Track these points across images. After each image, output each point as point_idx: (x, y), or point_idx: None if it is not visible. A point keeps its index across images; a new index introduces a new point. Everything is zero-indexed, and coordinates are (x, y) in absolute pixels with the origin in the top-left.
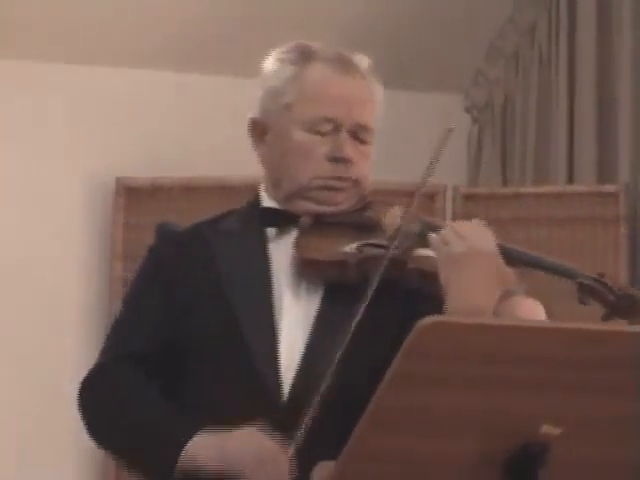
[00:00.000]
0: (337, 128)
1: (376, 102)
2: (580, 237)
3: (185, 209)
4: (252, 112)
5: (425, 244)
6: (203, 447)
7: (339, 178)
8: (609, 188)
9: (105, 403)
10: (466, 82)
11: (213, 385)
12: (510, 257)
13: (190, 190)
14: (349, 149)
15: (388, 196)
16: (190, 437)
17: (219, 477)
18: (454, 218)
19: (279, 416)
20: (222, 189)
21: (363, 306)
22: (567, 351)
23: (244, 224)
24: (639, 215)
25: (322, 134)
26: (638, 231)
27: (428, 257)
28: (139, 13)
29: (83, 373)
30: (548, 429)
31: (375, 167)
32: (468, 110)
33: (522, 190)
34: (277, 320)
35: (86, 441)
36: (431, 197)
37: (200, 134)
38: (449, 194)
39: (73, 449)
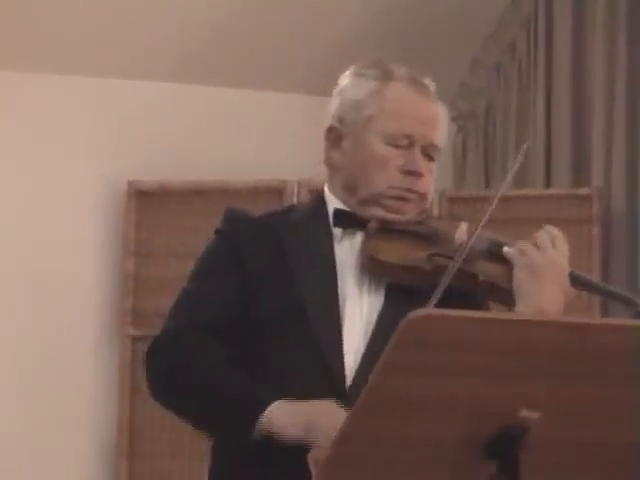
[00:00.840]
0: (412, 144)
1: (444, 123)
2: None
3: (191, 210)
4: (328, 120)
5: (493, 259)
6: (282, 414)
7: (409, 190)
8: (583, 191)
9: (180, 366)
10: (451, 93)
11: (279, 367)
12: (577, 280)
13: (195, 192)
14: (421, 164)
15: None
16: (269, 403)
17: (295, 442)
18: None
19: (342, 400)
20: (224, 191)
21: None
22: (546, 342)
23: (313, 221)
24: (611, 216)
25: (398, 147)
26: (610, 231)
27: (497, 270)
28: (149, 33)
29: (97, 363)
30: (527, 413)
31: None
32: (454, 119)
33: (506, 194)
34: (342, 311)
35: (100, 432)
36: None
37: (204, 141)
38: (435, 197)
39: (88, 440)
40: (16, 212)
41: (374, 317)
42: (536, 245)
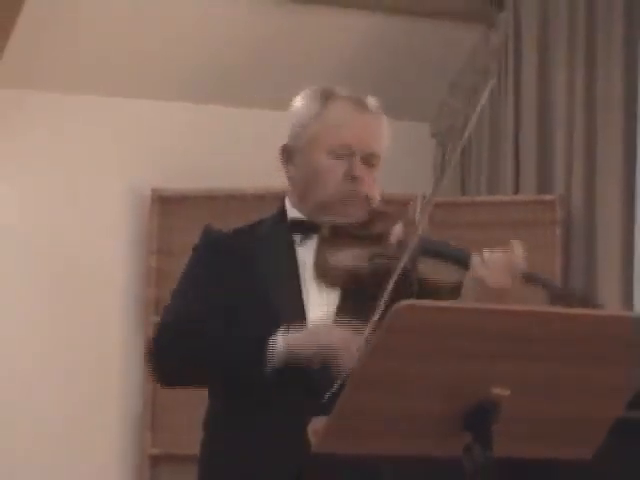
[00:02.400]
0: (352, 154)
1: (385, 135)
2: (524, 238)
3: (207, 214)
4: (283, 140)
5: (430, 257)
6: (290, 337)
7: (352, 193)
8: (547, 197)
9: (188, 336)
10: (432, 113)
11: None
12: (529, 279)
13: (211, 198)
14: (361, 170)
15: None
16: (274, 333)
17: (310, 355)
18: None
19: (310, 386)
20: (237, 198)
21: (381, 305)
22: (514, 328)
23: (275, 231)
24: (572, 219)
25: (340, 158)
26: (570, 232)
27: (433, 269)
28: (170, 60)
29: (125, 346)
30: (498, 390)
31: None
32: (434, 135)
33: (477, 199)
34: (305, 308)
35: (128, 406)
36: (405, 204)
37: (218, 154)
38: (419, 201)
39: (117, 413)
40: (57, 216)
41: (333, 311)
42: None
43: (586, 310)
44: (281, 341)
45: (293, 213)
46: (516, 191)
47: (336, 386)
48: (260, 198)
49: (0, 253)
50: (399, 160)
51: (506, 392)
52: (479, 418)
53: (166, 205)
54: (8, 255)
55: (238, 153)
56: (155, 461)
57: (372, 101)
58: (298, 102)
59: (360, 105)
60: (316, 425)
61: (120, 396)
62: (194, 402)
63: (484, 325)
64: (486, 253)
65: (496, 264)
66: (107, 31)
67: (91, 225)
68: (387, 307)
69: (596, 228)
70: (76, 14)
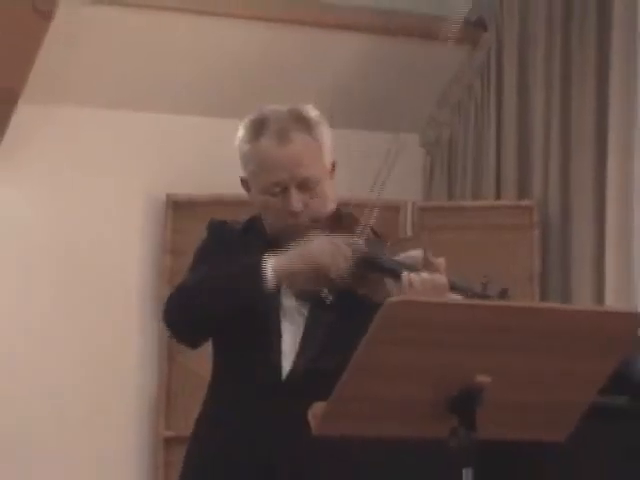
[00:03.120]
0: (285, 188)
1: (324, 149)
2: (505, 240)
3: (215, 217)
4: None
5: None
6: (280, 257)
7: (294, 228)
8: (526, 202)
9: (191, 287)
10: (421, 125)
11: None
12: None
13: (219, 203)
14: (296, 202)
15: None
16: (266, 258)
17: (305, 265)
18: (413, 226)
19: (279, 383)
20: (242, 203)
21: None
22: (496, 321)
23: (257, 241)
24: (548, 222)
25: (275, 195)
26: (547, 235)
27: (375, 286)
28: (183, 77)
29: (141, 336)
30: (481, 378)
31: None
32: (423, 145)
33: (462, 204)
34: (281, 314)
35: (144, 390)
36: (396, 210)
37: (228, 162)
38: (409, 207)
39: (134, 396)
40: (81, 219)
41: (302, 326)
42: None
43: (563, 305)
44: (269, 262)
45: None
46: (498, 197)
47: (324, 295)
48: None
49: (31, 253)
50: (391, 168)
51: (488, 379)
52: (464, 403)
53: (180, 209)
54: (38, 255)
55: None
56: (168, 443)
57: (303, 117)
58: (238, 134)
59: (284, 138)
60: (315, 410)
61: (136, 383)
62: (204, 389)
63: (469, 319)
64: (412, 275)
65: (421, 286)
66: (125, 52)
67: (112, 227)
68: (344, 312)
69: (571, 231)
70: (99, 35)
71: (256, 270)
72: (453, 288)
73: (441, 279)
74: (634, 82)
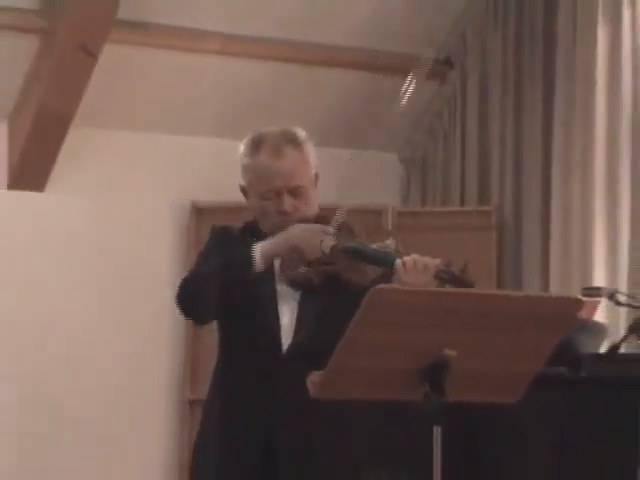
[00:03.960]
0: (279, 193)
1: (310, 163)
2: (468, 239)
3: (234, 222)
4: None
5: (358, 261)
6: (266, 242)
7: (285, 225)
8: (485, 208)
9: (196, 276)
10: (400, 145)
11: (242, 335)
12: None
13: (239, 209)
14: (288, 205)
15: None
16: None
17: (280, 251)
18: (392, 227)
19: (279, 354)
20: None
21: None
22: (461, 306)
23: (257, 237)
24: (503, 226)
25: (269, 199)
26: (503, 235)
27: (357, 272)
28: (206, 102)
29: (169, 321)
30: (448, 352)
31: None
32: (401, 162)
33: (433, 209)
34: (278, 300)
35: (172, 366)
36: (379, 213)
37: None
38: (390, 211)
39: (164, 371)
40: (120, 224)
41: (297, 307)
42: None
43: (515, 293)
44: (258, 247)
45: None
46: (462, 203)
47: (302, 270)
48: None
49: (79, 253)
50: (374, 179)
51: (454, 353)
52: (434, 372)
53: (202, 215)
54: (85, 254)
55: None
56: (193, 405)
57: (294, 136)
58: (240, 149)
59: (278, 153)
60: (313, 378)
61: (168, 358)
62: None
63: (439, 304)
64: (406, 258)
65: (414, 266)
66: (156, 86)
67: (145, 231)
68: (331, 296)
69: (522, 232)
70: (136, 71)
71: (247, 254)
72: (439, 275)
73: (430, 260)
74: (572, 111)
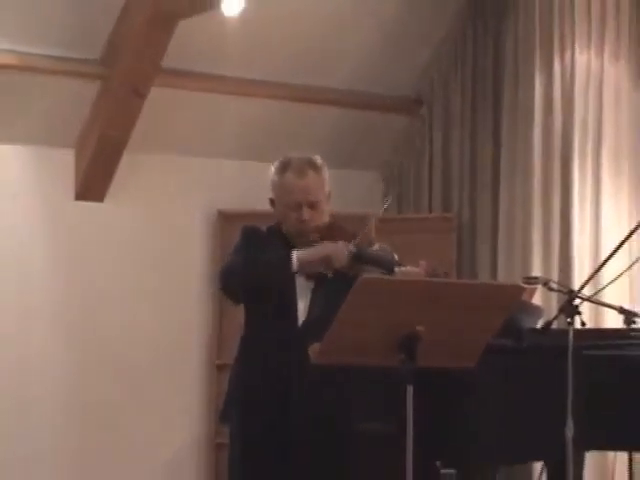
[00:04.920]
0: (300, 206)
1: (325, 183)
2: (434, 240)
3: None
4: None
5: (363, 263)
6: (300, 252)
7: (302, 231)
8: (448, 215)
9: (241, 265)
10: (381, 165)
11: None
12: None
13: (261, 216)
14: (306, 215)
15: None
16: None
17: (314, 259)
18: (375, 231)
19: (296, 334)
20: (270, 216)
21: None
22: (429, 291)
23: (278, 240)
24: (462, 229)
25: (293, 209)
26: (461, 237)
27: (363, 272)
28: (231, 127)
29: (199, 306)
30: (419, 327)
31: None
32: (382, 179)
33: (407, 216)
34: (295, 290)
35: (202, 335)
36: (364, 219)
37: (260, 188)
38: (372, 218)
39: (194, 349)
40: (158, 230)
41: (311, 293)
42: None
43: (471, 281)
44: (295, 253)
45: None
46: (430, 211)
47: (329, 275)
48: None
49: (130, 251)
50: (361, 193)
51: (423, 329)
52: (408, 344)
53: (227, 220)
54: (135, 252)
55: None
56: (220, 369)
57: (314, 162)
58: (271, 170)
59: (301, 173)
60: (313, 348)
61: (199, 331)
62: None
63: (411, 290)
64: (405, 267)
65: (409, 275)
66: (190, 120)
67: (182, 232)
68: (336, 285)
69: (476, 234)
70: (176, 109)
71: (287, 258)
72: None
73: (416, 269)
74: (515, 139)
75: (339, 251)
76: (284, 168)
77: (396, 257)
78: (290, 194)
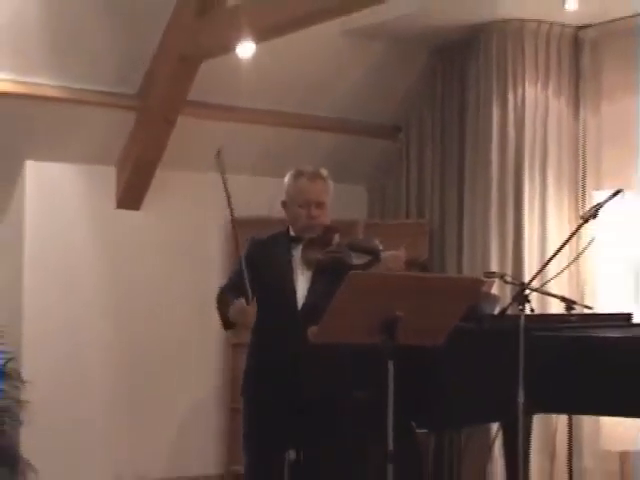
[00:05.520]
0: (309, 204)
1: (329, 189)
2: (411, 242)
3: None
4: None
5: (354, 251)
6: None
7: (311, 226)
8: (422, 221)
9: (218, 298)
10: (366, 180)
11: (268, 303)
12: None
13: (265, 221)
14: (314, 212)
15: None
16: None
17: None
18: (365, 233)
19: (296, 315)
20: (276, 222)
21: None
22: (406, 283)
23: (283, 240)
24: (433, 232)
25: (303, 207)
26: (432, 239)
27: (358, 259)
28: (249, 146)
29: (213, 301)
30: (399, 312)
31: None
32: (367, 191)
33: (388, 222)
34: (295, 280)
35: (218, 334)
36: (354, 224)
37: (269, 199)
38: (360, 223)
39: (215, 332)
40: (187, 234)
41: (308, 283)
42: (390, 258)
43: (440, 274)
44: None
45: (291, 232)
46: (407, 217)
47: (318, 256)
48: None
49: (160, 251)
50: (351, 203)
51: (402, 314)
52: (389, 326)
53: (239, 226)
54: (164, 252)
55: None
56: (234, 347)
57: (322, 173)
58: (286, 176)
59: (312, 179)
60: (311, 329)
61: (213, 309)
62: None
63: (392, 282)
64: (388, 252)
65: (393, 259)
66: (214, 143)
67: (203, 236)
68: (332, 276)
69: (444, 236)
70: (199, 135)
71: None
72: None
73: (400, 253)
74: (476, 159)
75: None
76: (299, 175)
77: (380, 245)
78: (303, 194)
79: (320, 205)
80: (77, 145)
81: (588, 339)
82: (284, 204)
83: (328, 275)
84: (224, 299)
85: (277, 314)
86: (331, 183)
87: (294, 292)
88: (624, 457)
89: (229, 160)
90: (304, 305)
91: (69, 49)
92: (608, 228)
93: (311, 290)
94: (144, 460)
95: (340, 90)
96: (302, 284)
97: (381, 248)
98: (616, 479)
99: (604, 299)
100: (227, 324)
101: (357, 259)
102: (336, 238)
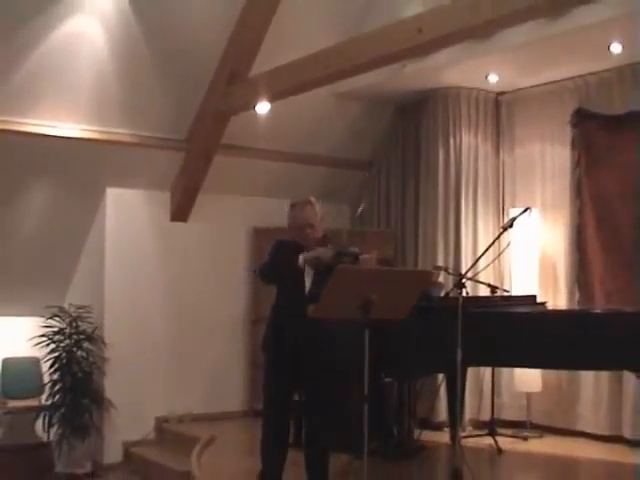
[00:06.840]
0: (303, 227)
1: (317, 211)
2: (381, 246)
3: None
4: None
5: (342, 255)
6: (306, 253)
7: (307, 241)
8: (388, 230)
9: (268, 267)
10: (351, 200)
11: (288, 290)
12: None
13: (277, 230)
14: (308, 231)
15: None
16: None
17: (313, 256)
18: (349, 238)
19: (304, 300)
20: (286, 231)
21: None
22: (379, 275)
23: (297, 247)
24: (397, 239)
25: (299, 230)
26: (397, 244)
27: (340, 262)
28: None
29: (242, 285)
30: (374, 297)
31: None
32: (350, 208)
33: (365, 230)
34: (304, 276)
35: (242, 299)
36: (340, 232)
37: (278, 213)
38: (344, 232)
39: (239, 302)
40: (216, 241)
41: (312, 278)
42: (365, 260)
43: (400, 268)
44: (301, 255)
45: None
46: (378, 227)
47: (321, 266)
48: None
49: (200, 254)
50: (337, 216)
51: (376, 297)
52: (366, 307)
53: (259, 234)
54: (202, 255)
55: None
56: (253, 322)
57: (311, 200)
58: (288, 206)
59: (302, 208)
60: (311, 307)
61: (240, 300)
62: (271, 300)
63: (368, 274)
64: (364, 255)
65: (368, 261)
66: (236, 174)
67: (231, 242)
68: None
69: (405, 240)
70: (224, 173)
71: (296, 259)
72: (380, 263)
73: (374, 257)
74: (428, 183)
75: (325, 252)
76: (292, 207)
77: (358, 250)
78: (297, 220)
79: (311, 226)
80: (143, 176)
81: (506, 314)
82: (288, 227)
83: (325, 273)
84: (280, 259)
85: (291, 297)
86: (319, 205)
87: (303, 283)
88: (529, 395)
89: (249, 187)
90: (309, 292)
91: (137, 106)
92: (520, 234)
93: (313, 282)
94: (188, 399)
95: (329, 135)
96: (308, 278)
97: (359, 252)
98: (524, 410)
99: (517, 285)
100: (278, 270)
101: (342, 262)
102: (328, 246)
